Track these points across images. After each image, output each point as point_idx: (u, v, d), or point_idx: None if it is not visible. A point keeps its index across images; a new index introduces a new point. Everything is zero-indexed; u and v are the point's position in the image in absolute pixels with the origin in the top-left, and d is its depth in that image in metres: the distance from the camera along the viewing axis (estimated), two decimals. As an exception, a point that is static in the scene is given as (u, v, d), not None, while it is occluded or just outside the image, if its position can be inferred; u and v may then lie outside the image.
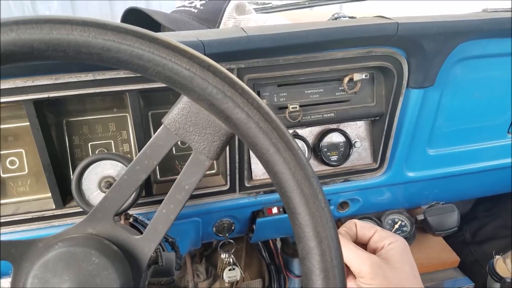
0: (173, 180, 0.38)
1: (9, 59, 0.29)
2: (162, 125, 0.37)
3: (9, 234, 0.62)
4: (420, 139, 0.76)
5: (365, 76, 0.69)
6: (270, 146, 0.32)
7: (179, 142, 0.69)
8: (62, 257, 0.34)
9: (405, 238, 0.70)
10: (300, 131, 0.72)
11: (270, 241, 1.21)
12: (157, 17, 0.74)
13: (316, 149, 0.73)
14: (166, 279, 0.57)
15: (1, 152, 0.62)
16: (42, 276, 0.34)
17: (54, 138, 0.63)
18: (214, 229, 0.79)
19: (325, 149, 0.73)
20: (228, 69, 0.59)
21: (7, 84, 0.53)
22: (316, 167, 0.75)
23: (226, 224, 0.79)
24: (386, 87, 0.70)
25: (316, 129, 0.73)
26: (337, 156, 0.74)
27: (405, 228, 0.93)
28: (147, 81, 0.58)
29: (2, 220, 0.61)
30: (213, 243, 1.18)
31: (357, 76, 0.68)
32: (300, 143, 0.71)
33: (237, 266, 0.93)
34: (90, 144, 0.65)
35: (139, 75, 0.57)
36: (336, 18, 0.81)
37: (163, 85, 0.57)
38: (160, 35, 0.32)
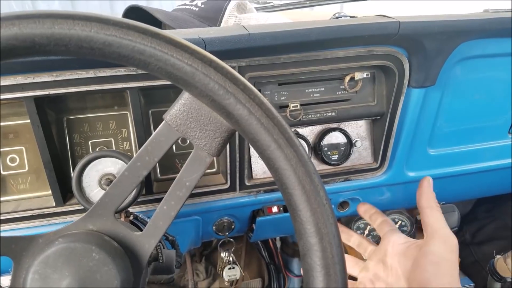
0: (174, 179, 0.38)
1: (10, 54, 0.29)
2: (163, 121, 0.37)
3: (9, 231, 0.62)
4: (421, 139, 0.76)
5: (366, 75, 0.69)
6: (271, 143, 0.32)
7: (179, 140, 0.69)
8: (63, 253, 0.34)
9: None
10: (301, 130, 0.72)
11: (270, 241, 1.21)
12: (158, 15, 0.74)
13: (316, 148, 0.73)
14: (166, 277, 0.57)
15: (2, 150, 0.62)
16: (42, 271, 0.34)
17: (55, 136, 0.62)
18: (214, 227, 0.79)
19: (326, 149, 0.73)
20: (229, 67, 0.59)
21: (7, 80, 0.53)
22: (317, 166, 0.75)
23: (226, 223, 0.79)
24: (387, 86, 0.70)
25: (317, 128, 0.73)
26: (337, 156, 0.74)
27: (405, 228, 0.93)
28: (148, 79, 0.58)
29: (2, 218, 0.61)
30: (213, 242, 1.18)
31: (358, 75, 0.68)
32: (300, 142, 0.71)
33: (236, 265, 0.93)
34: (91, 142, 0.65)
35: (140, 72, 0.57)
36: (337, 18, 0.81)
37: (164, 83, 0.57)
38: (162, 30, 0.32)
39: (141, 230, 0.52)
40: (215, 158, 0.69)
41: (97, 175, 0.57)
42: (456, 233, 0.96)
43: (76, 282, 0.34)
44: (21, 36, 0.29)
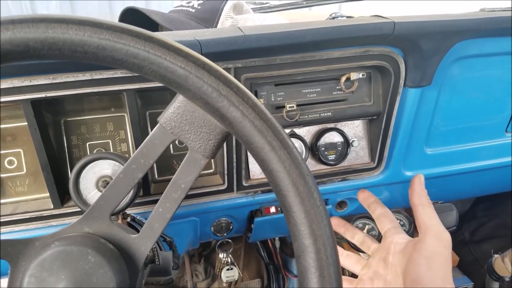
0: (171, 180, 0.38)
1: (5, 58, 0.30)
2: (158, 124, 0.38)
3: (7, 234, 0.62)
4: (418, 138, 0.76)
5: (362, 75, 0.69)
6: (265, 145, 0.32)
7: (176, 142, 0.70)
8: (59, 256, 0.35)
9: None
10: (298, 131, 0.73)
11: (269, 241, 1.21)
12: (154, 16, 0.74)
13: (313, 149, 0.73)
14: (165, 279, 0.57)
15: (0, 152, 0.63)
16: (38, 275, 0.34)
17: (52, 138, 0.63)
18: (212, 228, 0.79)
19: (323, 149, 0.73)
20: (225, 69, 0.60)
21: (4, 83, 0.53)
22: (314, 166, 0.75)
23: (224, 223, 0.79)
24: (383, 86, 0.70)
25: (314, 129, 0.73)
26: (334, 156, 0.74)
27: (403, 228, 0.93)
28: (145, 81, 0.58)
29: (0, 220, 0.61)
30: (211, 243, 1.18)
31: (354, 76, 0.68)
32: (297, 142, 0.72)
33: (235, 266, 0.94)
34: (88, 144, 0.65)
35: (136, 74, 0.57)
36: (333, 18, 0.81)
37: (161, 84, 0.57)
38: (156, 34, 0.32)
39: (139, 232, 0.52)
40: (211, 159, 0.69)
41: (94, 177, 0.57)
42: (455, 232, 0.96)
43: (72, 285, 0.34)
44: (15, 41, 0.29)
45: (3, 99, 0.54)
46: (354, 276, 0.63)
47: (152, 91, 0.63)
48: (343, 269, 0.67)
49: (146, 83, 0.58)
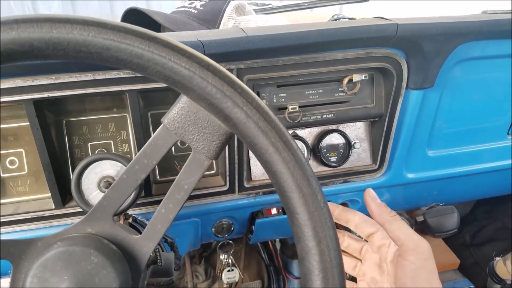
0: (173, 181, 0.38)
1: (9, 58, 0.29)
2: (162, 125, 0.37)
3: (9, 234, 0.62)
4: (420, 140, 0.76)
5: (365, 77, 0.69)
6: (269, 146, 0.32)
7: (178, 142, 0.70)
8: (61, 257, 0.34)
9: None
10: (300, 132, 0.73)
11: (270, 242, 1.21)
12: (157, 17, 0.74)
13: (315, 150, 0.73)
14: (165, 279, 0.57)
15: (1, 152, 0.62)
16: (41, 275, 0.34)
17: (54, 138, 0.63)
18: (213, 229, 0.79)
19: (325, 150, 0.73)
20: (228, 70, 0.59)
21: (7, 83, 0.53)
22: (316, 168, 0.75)
23: (225, 224, 0.79)
24: (386, 88, 0.70)
25: (316, 130, 0.73)
26: (336, 157, 0.74)
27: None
28: (147, 81, 0.58)
29: (1, 220, 0.61)
30: (212, 244, 1.18)
31: (356, 77, 0.68)
32: (299, 144, 0.71)
33: (236, 267, 0.93)
34: (90, 144, 0.65)
35: (139, 75, 0.57)
36: (335, 19, 0.81)
37: (163, 85, 0.57)
38: (160, 34, 0.32)
39: (140, 233, 0.52)
40: (213, 160, 0.69)
41: (96, 177, 0.57)
42: (456, 234, 0.96)
43: (75, 286, 0.34)
44: (19, 41, 0.29)
45: (6, 98, 0.54)
46: (352, 279, 0.63)
47: (154, 92, 0.63)
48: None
49: (148, 84, 0.58)
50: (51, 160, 0.59)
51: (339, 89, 0.70)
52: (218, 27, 0.77)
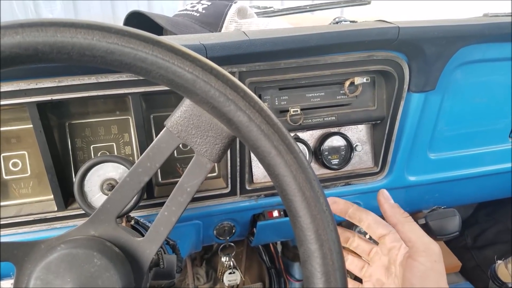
0: (175, 183, 0.38)
1: (13, 62, 0.30)
2: (165, 128, 0.38)
3: (11, 236, 0.63)
4: (421, 143, 0.76)
5: (366, 80, 0.69)
6: (271, 149, 0.32)
7: (180, 145, 0.70)
8: (64, 259, 0.35)
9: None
10: (301, 135, 0.73)
11: (271, 245, 1.21)
12: (159, 20, 0.74)
13: (317, 153, 0.73)
14: (167, 282, 0.57)
15: (4, 154, 0.63)
16: (44, 277, 0.34)
17: (57, 140, 0.63)
18: (214, 232, 0.79)
19: (326, 153, 0.73)
20: (230, 73, 0.60)
21: (10, 86, 0.53)
22: (317, 170, 0.75)
23: (227, 227, 0.79)
24: (387, 91, 0.70)
25: (317, 133, 0.73)
26: (338, 160, 0.74)
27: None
28: (150, 84, 0.58)
29: (4, 222, 0.61)
30: (213, 246, 1.18)
31: (358, 80, 0.68)
32: (301, 146, 0.72)
33: (237, 269, 0.93)
34: (92, 147, 0.66)
35: (141, 78, 0.57)
36: (337, 22, 0.81)
37: (165, 88, 0.57)
38: (164, 38, 0.32)
39: (142, 235, 0.52)
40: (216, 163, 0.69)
41: (98, 180, 0.57)
42: (458, 237, 0.96)
43: None
44: (24, 44, 0.29)
45: (9, 101, 0.54)
46: (357, 279, 0.63)
47: (156, 95, 0.63)
48: (349, 224, 0.64)
49: (151, 87, 0.58)
50: (54, 162, 0.59)
51: (341, 91, 0.71)
52: (220, 30, 0.78)
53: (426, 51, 0.63)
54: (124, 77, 0.57)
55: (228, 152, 0.66)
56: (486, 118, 0.79)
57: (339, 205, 0.59)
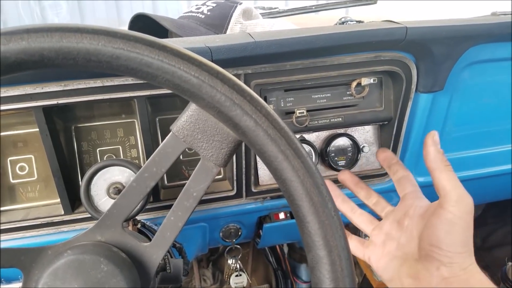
0: (180, 186, 0.38)
1: (19, 67, 0.30)
2: (171, 132, 0.37)
3: (19, 239, 0.63)
4: (429, 144, 0.75)
5: (373, 80, 0.68)
6: (278, 154, 0.32)
7: (186, 148, 0.70)
8: (71, 265, 0.35)
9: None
10: (307, 136, 0.72)
11: (277, 246, 1.21)
12: (164, 23, 0.74)
13: (323, 154, 0.72)
14: (174, 286, 0.57)
15: (11, 158, 0.63)
16: (51, 284, 0.34)
17: (63, 144, 0.63)
18: (221, 234, 0.79)
19: (333, 154, 0.73)
20: (235, 75, 0.59)
21: (16, 90, 0.54)
22: (324, 172, 0.75)
23: (233, 229, 0.79)
24: (395, 91, 0.69)
25: (324, 134, 0.73)
26: (345, 161, 0.73)
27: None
28: (155, 87, 0.58)
29: (12, 226, 0.62)
30: (219, 248, 1.18)
31: (365, 81, 0.67)
32: (307, 148, 0.71)
33: (243, 272, 0.93)
34: (99, 150, 0.66)
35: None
36: (343, 23, 0.80)
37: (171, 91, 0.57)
38: (169, 43, 0.32)
39: (149, 238, 0.52)
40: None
41: (105, 184, 0.57)
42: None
43: None
44: (29, 50, 0.29)
45: (16, 105, 0.55)
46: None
47: (162, 98, 0.63)
48: (356, 228, 0.64)
49: (157, 90, 0.58)
50: (61, 166, 0.59)
51: (347, 92, 0.70)
52: (225, 32, 0.78)
53: (434, 51, 0.62)
54: (129, 80, 0.57)
55: (234, 154, 0.66)
56: (495, 118, 0.78)
57: (388, 154, 0.62)
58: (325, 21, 1.05)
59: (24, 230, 0.62)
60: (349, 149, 0.73)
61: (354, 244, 0.58)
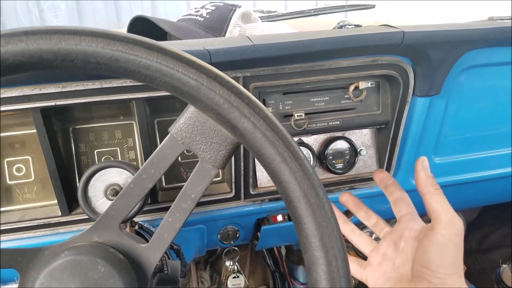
0: (178, 188, 0.38)
1: (18, 69, 0.30)
2: (169, 134, 0.38)
3: (15, 240, 0.63)
4: (426, 147, 0.76)
5: (371, 84, 0.69)
6: (276, 156, 0.32)
7: (184, 150, 0.70)
8: (68, 266, 0.35)
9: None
10: (305, 139, 0.73)
11: (275, 248, 1.21)
12: (163, 25, 0.74)
13: (321, 157, 0.73)
14: (171, 287, 0.57)
15: (8, 159, 0.63)
16: (48, 284, 0.34)
17: (61, 145, 0.63)
18: (218, 236, 0.79)
19: (331, 157, 0.73)
20: (234, 78, 0.60)
21: (14, 92, 0.54)
22: (321, 175, 0.75)
23: (231, 231, 0.79)
24: (392, 95, 0.70)
25: (322, 137, 0.73)
26: (342, 164, 0.74)
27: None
28: (153, 89, 0.58)
29: (8, 227, 0.61)
30: (217, 250, 1.18)
31: (362, 85, 0.68)
32: (305, 151, 0.71)
33: (241, 274, 0.93)
34: (96, 151, 0.66)
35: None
36: (341, 27, 0.81)
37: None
38: (168, 45, 0.32)
39: (146, 240, 0.52)
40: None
41: (102, 185, 0.57)
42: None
43: None
44: (28, 52, 0.29)
45: (13, 107, 0.55)
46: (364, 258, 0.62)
47: (160, 100, 0.63)
48: (355, 248, 0.64)
49: (155, 92, 0.58)
50: (58, 167, 0.59)
51: (345, 96, 0.70)
52: (224, 35, 0.78)
53: (431, 55, 0.63)
54: (128, 82, 0.57)
55: (232, 156, 0.66)
56: (491, 122, 0.79)
57: (384, 175, 0.63)
58: (324, 25, 1.06)
59: (21, 231, 0.62)
60: (347, 152, 0.74)
61: (353, 266, 0.59)
